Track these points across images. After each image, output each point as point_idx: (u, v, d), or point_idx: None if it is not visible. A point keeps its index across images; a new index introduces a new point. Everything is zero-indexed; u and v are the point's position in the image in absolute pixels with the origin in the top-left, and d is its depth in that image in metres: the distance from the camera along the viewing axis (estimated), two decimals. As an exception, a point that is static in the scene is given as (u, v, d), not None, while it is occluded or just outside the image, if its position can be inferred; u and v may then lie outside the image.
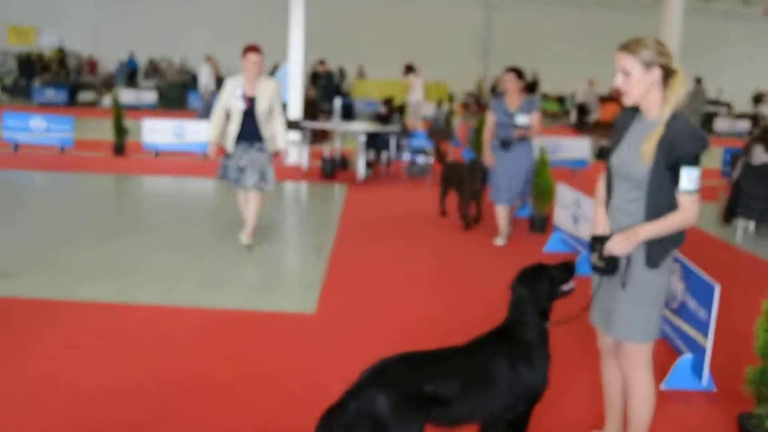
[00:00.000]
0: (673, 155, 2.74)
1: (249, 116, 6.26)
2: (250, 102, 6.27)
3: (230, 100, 6.29)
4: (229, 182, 6.43)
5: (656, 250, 2.84)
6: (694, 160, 2.74)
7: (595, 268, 2.88)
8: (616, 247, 2.80)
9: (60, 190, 9.61)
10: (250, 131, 6.32)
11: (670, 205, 2.80)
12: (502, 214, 7.06)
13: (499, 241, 7.09)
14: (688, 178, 2.73)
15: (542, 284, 2.89)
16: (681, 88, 2.80)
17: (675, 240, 2.85)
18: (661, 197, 2.80)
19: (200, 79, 18.50)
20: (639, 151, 2.83)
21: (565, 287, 2.93)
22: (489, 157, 6.93)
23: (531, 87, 23.19)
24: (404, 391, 2.55)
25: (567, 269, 2.96)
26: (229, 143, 6.36)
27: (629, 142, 2.92)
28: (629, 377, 3.03)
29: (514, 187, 6.90)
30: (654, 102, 2.83)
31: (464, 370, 2.71)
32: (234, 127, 6.31)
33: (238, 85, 6.30)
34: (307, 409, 3.56)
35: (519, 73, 6.78)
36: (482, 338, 2.89)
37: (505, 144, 6.72)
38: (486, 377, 2.72)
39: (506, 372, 2.75)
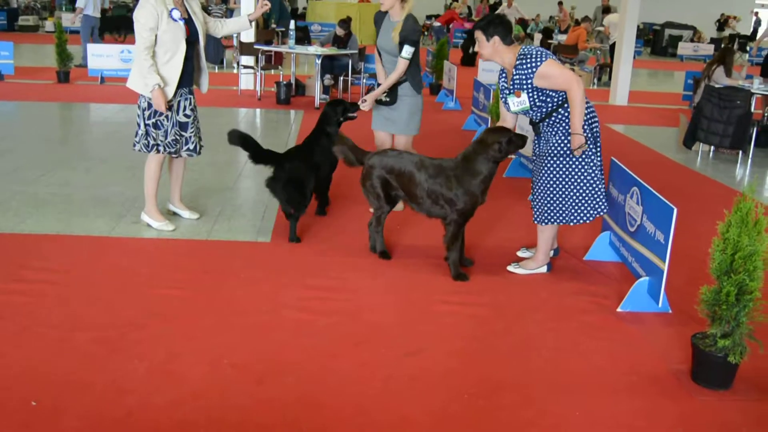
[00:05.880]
0: (403, 38, 5.05)
1: (190, 49, 4.78)
2: (188, 27, 4.74)
3: (160, 26, 4.54)
4: (165, 152, 4.88)
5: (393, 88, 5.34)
6: (411, 44, 5.06)
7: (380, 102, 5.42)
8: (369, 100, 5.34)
9: (0, 119, 9.15)
10: (189, 71, 4.83)
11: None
12: None
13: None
14: (406, 51, 5.08)
15: (339, 107, 5.21)
16: (412, 2, 5.12)
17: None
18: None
19: None
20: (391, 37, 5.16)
21: (351, 114, 5.25)
22: None
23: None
24: None
25: (354, 106, 5.30)
26: (168, 91, 4.70)
27: (385, 32, 5.24)
28: None
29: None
30: (396, 13, 5.14)
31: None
32: (174, 68, 4.68)
33: (166, 1, 4.57)
34: (265, 336, 3.51)
35: (489, 26, 4.20)
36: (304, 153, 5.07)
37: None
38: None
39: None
